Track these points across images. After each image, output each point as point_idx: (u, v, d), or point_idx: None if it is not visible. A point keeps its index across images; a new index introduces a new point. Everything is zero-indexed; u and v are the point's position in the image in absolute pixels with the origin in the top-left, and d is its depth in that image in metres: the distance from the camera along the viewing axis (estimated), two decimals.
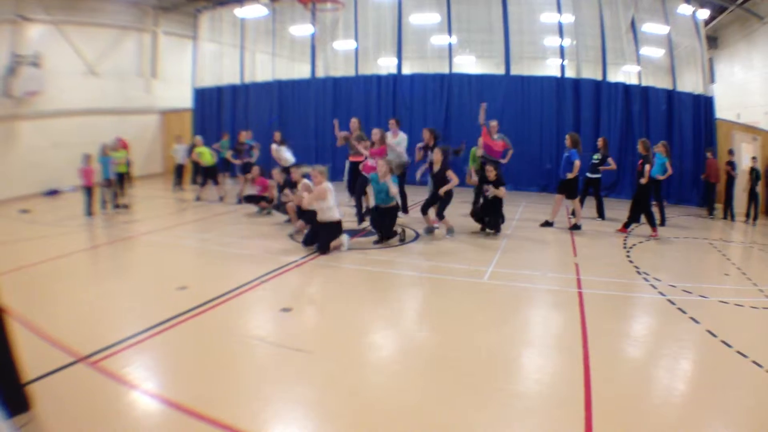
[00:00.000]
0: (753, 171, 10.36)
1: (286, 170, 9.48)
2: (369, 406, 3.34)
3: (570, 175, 8.74)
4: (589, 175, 9.69)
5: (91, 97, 14.59)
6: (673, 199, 12.21)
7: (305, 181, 7.50)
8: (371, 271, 6.44)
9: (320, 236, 7.07)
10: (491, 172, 8.18)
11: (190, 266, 6.91)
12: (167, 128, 17.28)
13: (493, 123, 9.50)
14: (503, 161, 9.41)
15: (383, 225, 7.68)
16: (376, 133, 8.79)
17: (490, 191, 8.13)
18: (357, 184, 8.93)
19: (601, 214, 9.91)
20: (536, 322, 5.08)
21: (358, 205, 8.92)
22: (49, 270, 6.35)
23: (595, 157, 9.71)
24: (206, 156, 11.86)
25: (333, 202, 6.99)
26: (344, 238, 7.22)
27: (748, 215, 10.44)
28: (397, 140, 9.26)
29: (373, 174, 7.74)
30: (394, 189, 7.46)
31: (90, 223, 9.41)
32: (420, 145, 9.11)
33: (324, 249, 7.01)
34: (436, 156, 8.04)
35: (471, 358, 4.04)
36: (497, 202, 8.21)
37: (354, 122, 9.54)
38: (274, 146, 10.56)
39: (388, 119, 9.86)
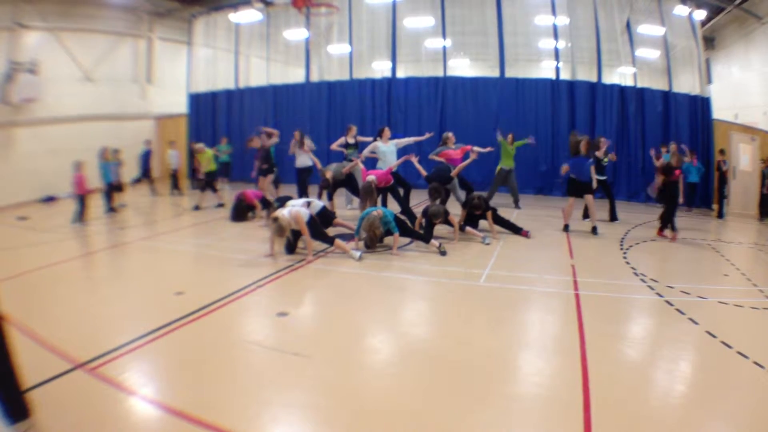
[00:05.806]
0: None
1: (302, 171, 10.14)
2: (367, 409, 3.34)
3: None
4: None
5: (87, 103, 14.60)
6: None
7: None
8: (367, 274, 6.43)
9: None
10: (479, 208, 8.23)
11: (186, 271, 6.90)
12: (162, 134, 17.28)
13: (449, 134, 10.07)
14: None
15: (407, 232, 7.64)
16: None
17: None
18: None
19: (612, 217, 9.95)
20: (533, 324, 5.07)
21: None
22: (47, 276, 6.34)
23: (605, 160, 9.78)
24: (206, 162, 11.72)
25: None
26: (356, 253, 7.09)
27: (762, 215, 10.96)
28: (388, 147, 9.49)
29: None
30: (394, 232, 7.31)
31: (85, 229, 9.38)
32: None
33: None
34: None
35: (468, 361, 4.03)
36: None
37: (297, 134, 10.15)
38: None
39: (383, 124, 9.93)
